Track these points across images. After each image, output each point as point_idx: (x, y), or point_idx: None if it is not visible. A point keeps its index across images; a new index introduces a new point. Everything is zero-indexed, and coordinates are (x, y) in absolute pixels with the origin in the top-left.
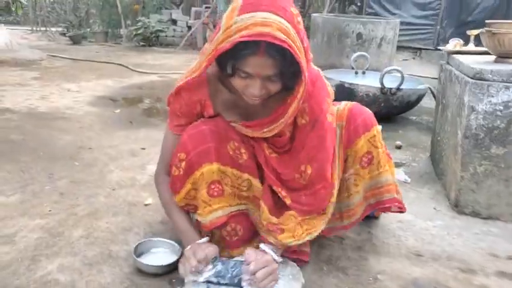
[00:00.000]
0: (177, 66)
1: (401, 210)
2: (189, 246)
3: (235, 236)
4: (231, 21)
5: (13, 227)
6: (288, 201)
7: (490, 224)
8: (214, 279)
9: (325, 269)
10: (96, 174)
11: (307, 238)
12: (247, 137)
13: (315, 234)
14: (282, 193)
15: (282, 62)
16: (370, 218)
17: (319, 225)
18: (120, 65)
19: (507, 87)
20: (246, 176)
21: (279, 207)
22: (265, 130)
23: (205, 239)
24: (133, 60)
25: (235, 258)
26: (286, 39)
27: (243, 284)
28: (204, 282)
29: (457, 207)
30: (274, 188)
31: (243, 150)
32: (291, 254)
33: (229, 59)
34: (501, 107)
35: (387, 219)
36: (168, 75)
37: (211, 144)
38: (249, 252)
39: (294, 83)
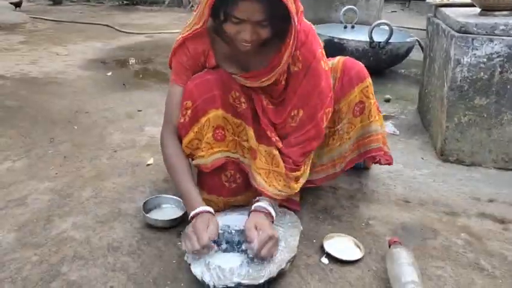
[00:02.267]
0: (164, 26)
1: (388, 162)
2: (191, 224)
3: (234, 183)
4: None
5: (24, 190)
6: (280, 145)
7: (473, 170)
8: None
9: (321, 217)
10: (96, 137)
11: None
12: (246, 87)
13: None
14: (274, 138)
15: (270, 6)
16: (361, 169)
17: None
18: (107, 25)
19: (491, 40)
20: (243, 124)
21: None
22: (263, 80)
23: (209, 208)
24: (118, 20)
25: (235, 228)
26: None
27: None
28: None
29: (443, 155)
30: (268, 132)
31: (242, 100)
32: (282, 202)
33: (222, 6)
34: (485, 59)
35: (377, 169)
36: (155, 35)
37: (217, 92)
38: (250, 229)
39: (283, 29)
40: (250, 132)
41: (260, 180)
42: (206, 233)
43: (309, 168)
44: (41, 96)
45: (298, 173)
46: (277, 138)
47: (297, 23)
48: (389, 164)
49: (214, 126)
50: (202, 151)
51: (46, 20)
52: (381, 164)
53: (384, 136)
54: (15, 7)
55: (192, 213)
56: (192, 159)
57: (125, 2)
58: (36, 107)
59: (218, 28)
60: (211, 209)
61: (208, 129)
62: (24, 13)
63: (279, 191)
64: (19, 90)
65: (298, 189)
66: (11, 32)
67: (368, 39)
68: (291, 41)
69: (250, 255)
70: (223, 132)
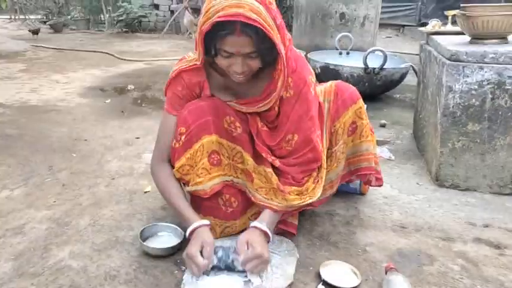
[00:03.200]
0: (162, 53)
1: (379, 184)
2: (188, 244)
3: (230, 207)
4: (209, 5)
5: (21, 219)
6: (277, 164)
7: (468, 195)
8: (217, 265)
9: (318, 244)
10: (95, 165)
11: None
12: (241, 112)
13: (313, 199)
14: (270, 158)
15: (257, 40)
16: (357, 195)
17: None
18: (106, 53)
19: (481, 68)
20: (239, 148)
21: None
22: (260, 105)
23: (205, 221)
24: (117, 47)
25: (232, 241)
26: (258, 18)
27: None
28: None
29: (438, 180)
30: (263, 154)
31: (237, 124)
32: (279, 225)
33: (212, 41)
34: (476, 86)
35: (373, 195)
36: (154, 63)
37: (210, 118)
38: (241, 242)
39: (273, 59)
40: (247, 156)
41: (260, 197)
42: (200, 258)
43: (319, 187)
44: (41, 124)
45: (298, 188)
46: (273, 157)
47: (283, 52)
48: (380, 185)
49: (209, 151)
50: (200, 177)
51: (47, 48)
52: (371, 185)
53: (376, 157)
54: (33, 34)
55: (189, 230)
56: (184, 184)
57: (124, 29)
58: (35, 135)
59: (212, 61)
60: (206, 222)
61: (203, 155)
62: (25, 41)
63: (278, 203)
64: (19, 118)
65: (300, 204)
66: (12, 60)
67: (363, 66)
68: (282, 67)
69: (245, 280)
70: (218, 157)
